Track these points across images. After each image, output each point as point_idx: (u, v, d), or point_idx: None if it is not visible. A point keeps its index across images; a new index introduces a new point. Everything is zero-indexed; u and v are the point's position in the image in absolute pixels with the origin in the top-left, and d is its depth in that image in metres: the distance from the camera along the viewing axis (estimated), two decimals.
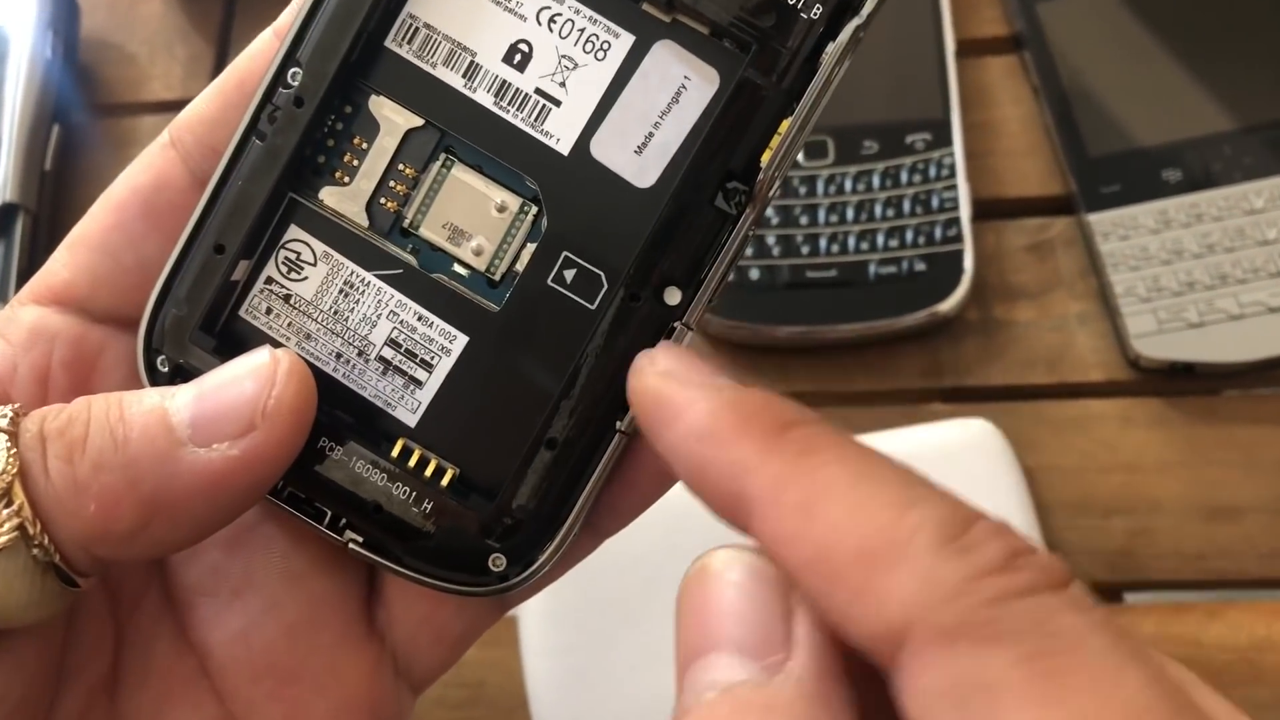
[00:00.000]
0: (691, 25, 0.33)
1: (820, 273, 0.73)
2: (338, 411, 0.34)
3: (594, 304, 0.33)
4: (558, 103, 0.33)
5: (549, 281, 0.34)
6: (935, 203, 0.73)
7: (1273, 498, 0.67)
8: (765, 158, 0.32)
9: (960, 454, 0.68)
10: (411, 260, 0.34)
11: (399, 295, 0.34)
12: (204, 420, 0.30)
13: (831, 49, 0.32)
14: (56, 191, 0.83)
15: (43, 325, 0.34)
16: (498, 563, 0.34)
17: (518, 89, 0.33)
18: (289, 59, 0.34)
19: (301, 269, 0.34)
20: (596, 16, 0.33)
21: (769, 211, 0.74)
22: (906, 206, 0.73)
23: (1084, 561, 0.67)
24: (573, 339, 0.33)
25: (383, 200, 0.34)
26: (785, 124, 0.32)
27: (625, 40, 0.33)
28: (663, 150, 0.33)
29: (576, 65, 0.33)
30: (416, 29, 0.34)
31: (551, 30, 0.33)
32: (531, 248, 0.34)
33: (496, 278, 0.34)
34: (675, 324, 0.33)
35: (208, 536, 0.32)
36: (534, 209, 0.34)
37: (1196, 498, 0.68)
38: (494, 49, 0.34)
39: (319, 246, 0.34)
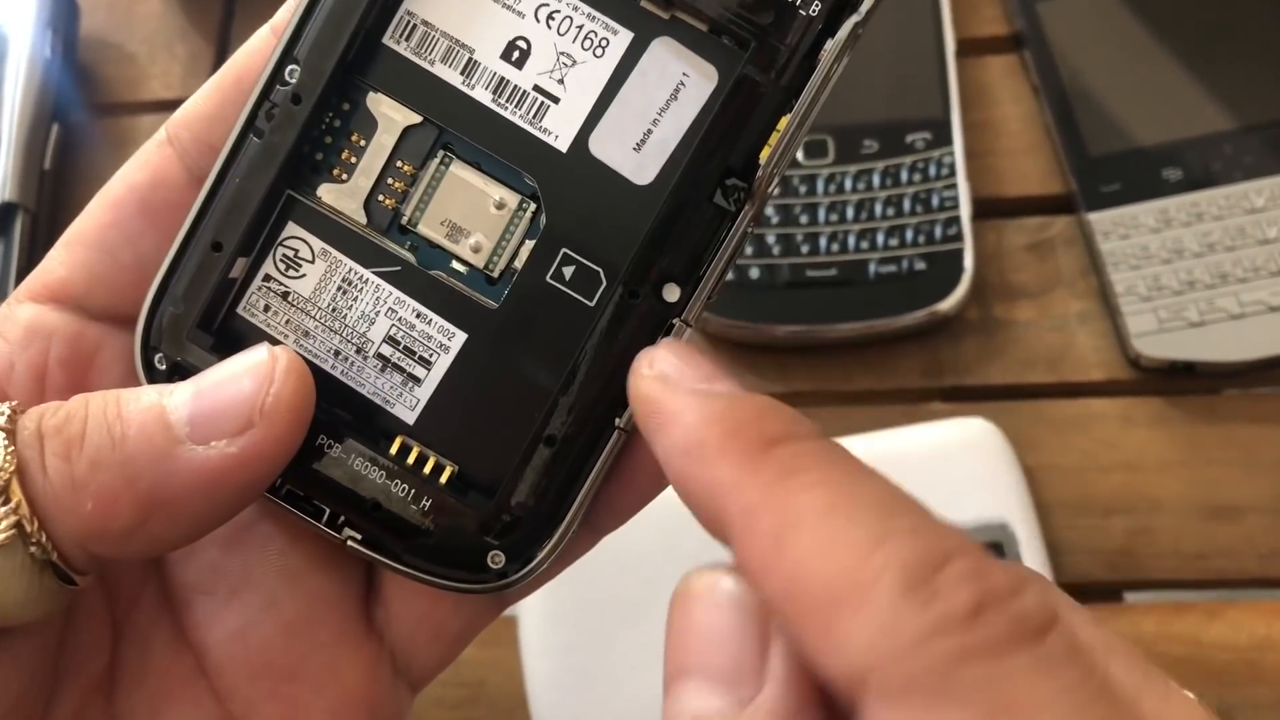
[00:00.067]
0: (690, 22, 0.33)
1: (820, 272, 0.73)
2: (336, 409, 0.34)
3: (593, 301, 0.33)
4: (556, 100, 0.33)
5: (548, 278, 0.33)
6: (935, 202, 0.73)
7: (1273, 497, 0.67)
8: (764, 155, 0.32)
9: (960, 453, 0.68)
10: (410, 257, 0.34)
11: (397, 292, 0.34)
12: (202, 418, 0.30)
13: (830, 46, 0.32)
14: (56, 191, 0.83)
15: (40, 323, 0.34)
16: (496, 560, 0.34)
17: (516, 86, 0.33)
18: (286, 56, 0.34)
19: (299, 266, 0.34)
20: (595, 13, 0.33)
21: (769, 210, 0.74)
22: (906, 205, 0.73)
23: (1084, 561, 0.67)
24: (571, 336, 0.33)
25: (381, 197, 0.34)
26: (784, 121, 0.32)
27: (624, 37, 0.33)
28: (661, 147, 0.33)
29: (575, 62, 0.33)
30: (414, 26, 0.34)
31: (550, 27, 0.33)
32: (530, 245, 0.34)
33: (495, 275, 0.34)
34: (674, 321, 0.33)
35: (205, 534, 0.32)
36: (532, 206, 0.34)
37: (1197, 497, 0.68)
38: (492, 46, 0.34)
39: (317, 244, 0.34)
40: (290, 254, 0.34)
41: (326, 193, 0.34)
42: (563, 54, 0.33)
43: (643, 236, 0.33)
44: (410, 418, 0.34)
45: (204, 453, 0.30)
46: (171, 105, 0.35)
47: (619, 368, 0.32)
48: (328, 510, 0.34)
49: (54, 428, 0.30)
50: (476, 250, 0.34)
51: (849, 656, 0.23)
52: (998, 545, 0.65)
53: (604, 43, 0.33)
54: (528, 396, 0.33)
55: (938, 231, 0.72)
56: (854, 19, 0.32)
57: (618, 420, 0.33)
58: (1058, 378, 0.72)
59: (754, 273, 0.73)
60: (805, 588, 0.24)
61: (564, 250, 0.33)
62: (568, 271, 0.33)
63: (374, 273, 0.34)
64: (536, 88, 0.33)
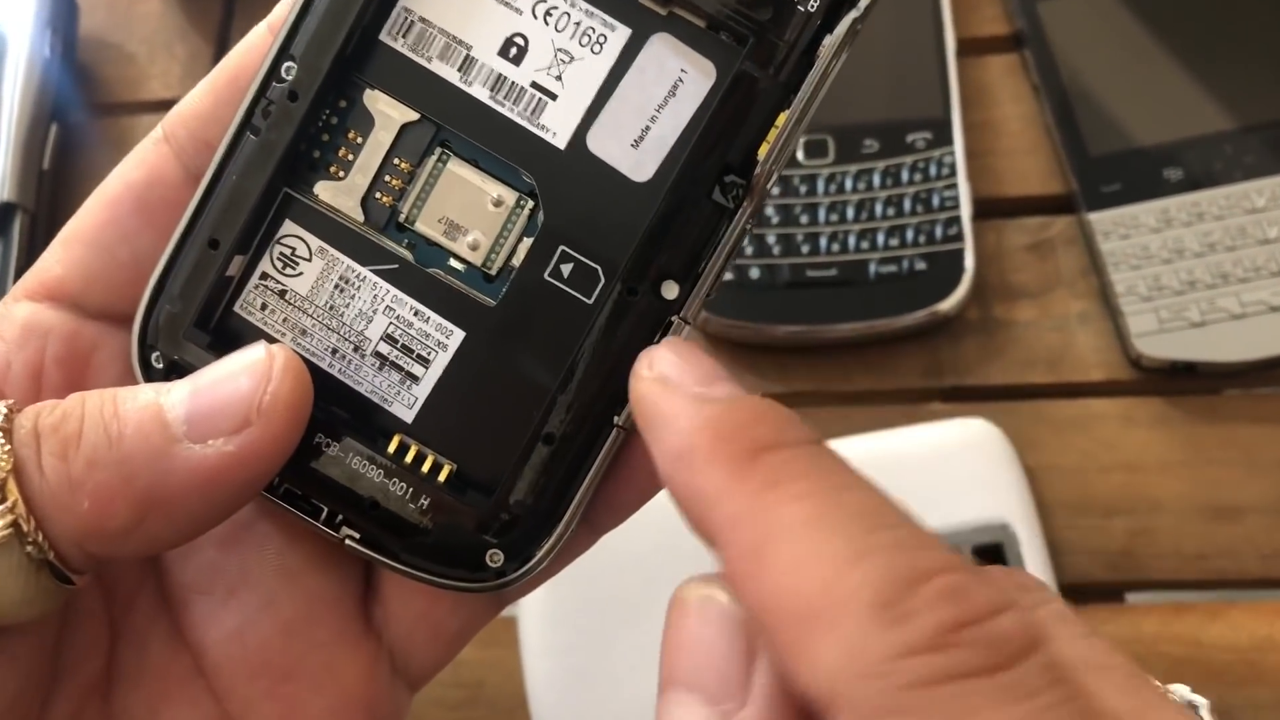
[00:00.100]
0: (688, 18, 0.33)
1: (820, 272, 0.73)
2: (334, 407, 0.34)
3: (591, 298, 0.33)
4: (554, 96, 0.33)
5: (546, 276, 0.33)
6: (936, 201, 0.73)
7: (1274, 498, 0.67)
8: (762, 151, 0.32)
9: (961, 454, 0.68)
10: (407, 255, 0.34)
11: (395, 290, 0.34)
12: (199, 416, 0.30)
13: (829, 41, 0.32)
14: (55, 191, 0.83)
15: (36, 321, 0.34)
16: (495, 558, 0.33)
17: (513, 83, 0.33)
18: (283, 53, 0.33)
19: (296, 264, 0.34)
20: (592, 10, 0.33)
21: (769, 210, 0.74)
22: (907, 205, 0.73)
23: (1085, 561, 0.67)
24: (570, 333, 0.33)
25: (378, 195, 0.34)
26: (782, 117, 0.32)
27: (621, 33, 0.33)
28: (659, 144, 0.33)
29: (572, 59, 0.33)
30: (411, 23, 0.34)
31: (547, 24, 0.33)
32: (528, 242, 0.34)
33: (493, 272, 0.34)
34: (673, 318, 0.33)
35: (203, 533, 0.32)
36: (530, 203, 0.34)
37: (1198, 497, 0.68)
38: (489, 43, 0.33)
39: (314, 242, 0.34)
40: (287, 252, 0.34)
41: (324, 190, 0.34)
42: (560, 51, 0.33)
43: (641, 233, 0.33)
44: (408, 416, 0.34)
45: (201, 451, 0.30)
46: (170, 105, 0.35)
47: (618, 365, 0.32)
48: (326, 509, 0.34)
49: (50, 426, 0.30)
50: (474, 248, 0.34)
51: (819, 675, 0.23)
52: (998, 546, 0.65)
53: (602, 39, 0.33)
54: (526, 394, 0.33)
55: (938, 231, 0.72)
56: (852, 15, 0.32)
57: (616, 418, 0.33)
58: (1058, 378, 0.72)
59: (754, 273, 0.73)
60: (782, 602, 0.24)
61: (562, 247, 0.33)
62: (566, 269, 0.33)
63: (371, 271, 0.34)
64: (534, 84, 0.33)
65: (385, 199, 0.34)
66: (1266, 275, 0.69)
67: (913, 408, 0.72)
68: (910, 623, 0.23)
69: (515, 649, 0.67)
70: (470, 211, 0.34)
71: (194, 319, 0.34)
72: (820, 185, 0.74)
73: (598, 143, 0.33)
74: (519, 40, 0.33)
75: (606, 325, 0.33)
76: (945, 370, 0.73)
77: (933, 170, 0.73)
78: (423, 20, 0.34)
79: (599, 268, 0.33)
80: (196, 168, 0.34)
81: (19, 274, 0.78)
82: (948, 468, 0.68)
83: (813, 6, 0.32)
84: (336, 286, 0.34)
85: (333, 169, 0.34)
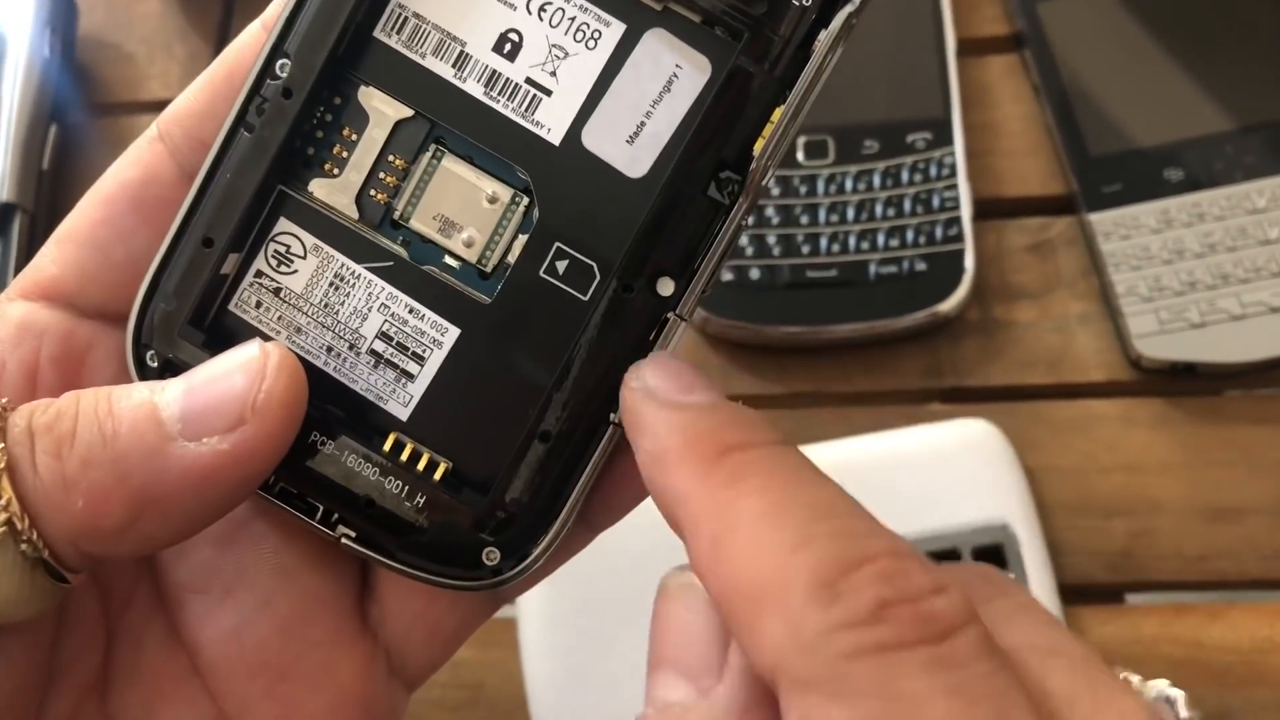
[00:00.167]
0: (683, 13, 0.33)
1: (821, 272, 0.73)
2: (329, 406, 0.34)
3: (586, 295, 0.33)
4: (549, 92, 0.33)
5: (541, 273, 0.33)
6: (936, 202, 0.73)
7: (1274, 499, 0.67)
8: (758, 147, 0.32)
9: (961, 454, 0.68)
10: (402, 252, 0.34)
11: (390, 288, 0.34)
12: (194, 414, 0.30)
13: (824, 36, 0.32)
14: (54, 191, 0.83)
15: (31, 321, 0.34)
16: (491, 557, 0.33)
17: (508, 79, 0.33)
18: (277, 50, 0.33)
19: (291, 262, 0.34)
20: (587, 5, 0.33)
21: (770, 211, 0.74)
22: (907, 206, 0.73)
23: (1085, 562, 0.67)
24: (565, 331, 0.33)
25: (372, 192, 0.34)
26: (778, 112, 0.32)
27: (616, 29, 0.33)
28: (655, 140, 0.33)
29: (567, 54, 0.33)
30: (405, 18, 0.34)
31: (542, 19, 0.33)
32: (523, 239, 0.33)
33: (488, 269, 0.34)
34: (668, 315, 0.33)
35: (198, 532, 0.32)
36: (525, 200, 0.34)
37: (1198, 498, 0.68)
38: (484, 38, 0.33)
39: (309, 239, 0.34)
40: (282, 250, 0.34)
41: (318, 188, 0.34)
42: (555, 46, 0.33)
43: (636, 230, 0.32)
44: (404, 414, 0.34)
45: (196, 450, 0.30)
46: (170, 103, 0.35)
47: (613, 362, 0.32)
48: (321, 508, 0.34)
49: (45, 425, 0.30)
50: (469, 245, 0.34)
51: (765, 652, 0.25)
52: (998, 546, 0.65)
53: (596, 35, 0.33)
54: (522, 392, 0.33)
55: (938, 232, 0.72)
56: (848, 9, 0.32)
57: (612, 416, 0.33)
58: (1058, 379, 0.72)
59: (754, 273, 0.73)
60: (736, 587, 0.26)
61: (557, 244, 0.33)
62: (561, 266, 0.33)
63: (366, 268, 0.34)
64: (529, 80, 0.33)
65: (380, 196, 0.34)
66: (1267, 276, 0.69)
67: (913, 408, 0.72)
68: (845, 600, 0.24)
69: (515, 650, 0.67)
70: (465, 208, 0.34)
71: (189, 317, 0.34)
72: (820, 186, 0.74)
73: (593, 139, 0.33)
74: (513, 36, 0.33)
75: (602, 322, 0.33)
76: (945, 371, 0.73)
77: (933, 171, 0.73)
78: (416, 16, 0.33)
79: (594, 265, 0.33)
80: (191, 166, 0.34)
81: (18, 274, 0.78)
82: (948, 468, 0.68)
83: (808, 1, 0.32)
84: (331, 284, 0.34)
85: (327, 166, 0.34)
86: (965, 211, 0.72)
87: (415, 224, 0.34)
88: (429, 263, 0.34)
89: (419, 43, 0.33)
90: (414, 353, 0.34)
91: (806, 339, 0.73)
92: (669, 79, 0.33)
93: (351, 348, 0.34)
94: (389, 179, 0.34)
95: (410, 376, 0.34)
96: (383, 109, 0.34)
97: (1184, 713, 0.28)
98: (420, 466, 0.34)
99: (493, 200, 0.34)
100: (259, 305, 0.34)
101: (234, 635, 0.35)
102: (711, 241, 0.32)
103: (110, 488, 0.29)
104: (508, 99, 0.33)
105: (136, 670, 0.34)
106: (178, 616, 0.35)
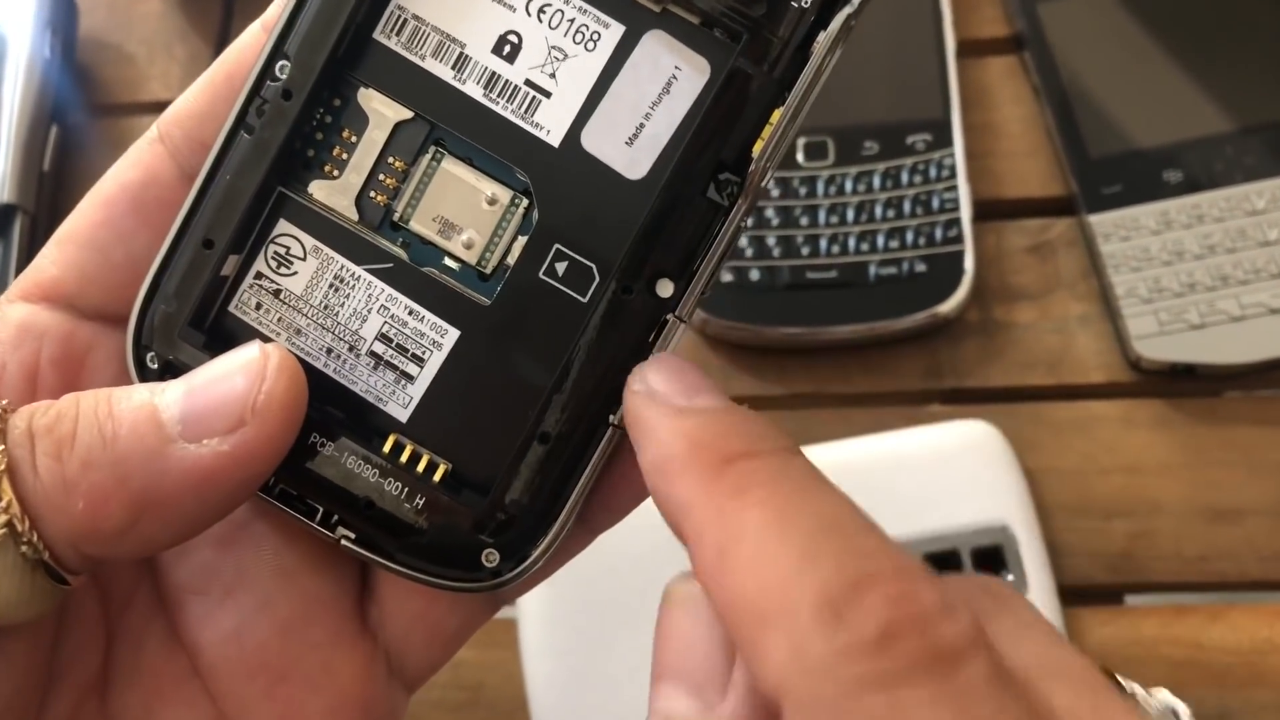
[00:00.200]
0: (682, 15, 0.33)
1: (820, 274, 0.73)
2: (329, 407, 0.34)
3: (586, 297, 0.33)
4: (548, 94, 0.33)
5: (540, 274, 0.33)
6: (936, 204, 0.73)
7: (1274, 500, 0.67)
8: (757, 148, 0.32)
9: (961, 456, 0.68)
10: (402, 254, 0.34)
11: (389, 289, 0.34)
12: (194, 416, 0.30)
13: (823, 38, 0.32)
14: (55, 192, 0.83)
15: (31, 322, 0.34)
16: (491, 558, 0.33)
17: (507, 80, 0.33)
18: (277, 52, 0.33)
19: (291, 264, 0.34)
20: (586, 7, 0.33)
21: (770, 212, 0.74)
22: (907, 207, 0.73)
23: (1085, 563, 0.67)
24: (565, 332, 0.33)
25: (372, 194, 0.34)
26: (777, 114, 0.32)
27: (615, 31, 0.33)
28: (654, 141, 0.33)
29: (566, 56, 0.33)
30: (405, 20, 0.34)
31: (541, 21, 0.33)
32: (523, 240, 0.33)
33: (488, 271, 0.34)
34: (668, 316, 0.33)
35: (198, 534, 0.32)
36: (525, 201, 0.34)
37: (1198, 500, 0.68)
38: (483, 40, 0.33)
39: (309, 241, 0.34)
40: (282, 251, 0.34)
41: (318, 189, 0.34)
42: (554, 48, 0.33)
43: (636, 231, 0.32)
44: (403, 415, 0.34)
45: (196, 451, 0.30)
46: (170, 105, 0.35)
47: (613, 364, 0.32)
48: (321, 509, 0.34)
49: (45, 427, 0.30)
50: (469, 246, 0.34)
51: (769, 672, 0.24)
52: (998, 548, 0.65)
53: (596, 36, 0.33)
54: (521, 393, 0.33)
55: (938, 233, 0.72)
56: (846, 10, 0.32)
57: (612, 417, 0.33)
58: (1058, 380, 0.72)
59: (754, 275, 0.73)
60: (739, 602, 0.25)
61: (557, 246, 0.33)
62: (560, 267, 0.33)
63: (366, 270, 0.34)
64: (528, 82, 0.33)
65: (380, 198, 0.34)
66: (1266, 277, 0.69)
67: (913, 409, 0.72)
68: (851, 624, 0.23)
69: (515, 651, 0.67)
70: (465, 210, 0.34)
71: (189, 319, 0.34)
72: (820, 187, 0.74)
73: (592, 140, 0.33)
74: (513, 38, 0.33)
75: (601, 324, 0.33)
76: (945, 372, 0.73)
77: (933, 172, 0.73)
78: (416, 18, 0.34)
79: (594, 266, 0.33)
80: (191, 167, 0.34)
81: (19, 275, 0.78)
82: (947, 470, 0.68)
83: (806, 3, 0.32)
84: (331, 286, 0.34)
85: (327, 168, 0.34)
86: (965, 213, 0.72)
87: (415, 226, 0.34)
88: (429, 264, 0.34)
89: (418, 44, 0.34)
90: (414, 354, 0.34)
91: (806, 340, 0.73)
92: (668, 80, 0.33)
93: (351, 349, 0.34)
94: (389, 181, 0.34)
95: (410, 378, 0.34)
96: (382, 111, 0.34)
97: None
98: (420, 468, 0.34)
99: (492, 202, 0.34)
100: (259, 307, 0.34)
101: (234, 636, 0.35)
102: (711, 243, 0.32)
103: (110, 490, 0.29)
104: (507, 101, 0.33)
105: (136, 671, 0.34)
106: (178, 617, 0.35)
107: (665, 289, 0.33)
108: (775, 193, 0.74)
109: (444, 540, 0.34)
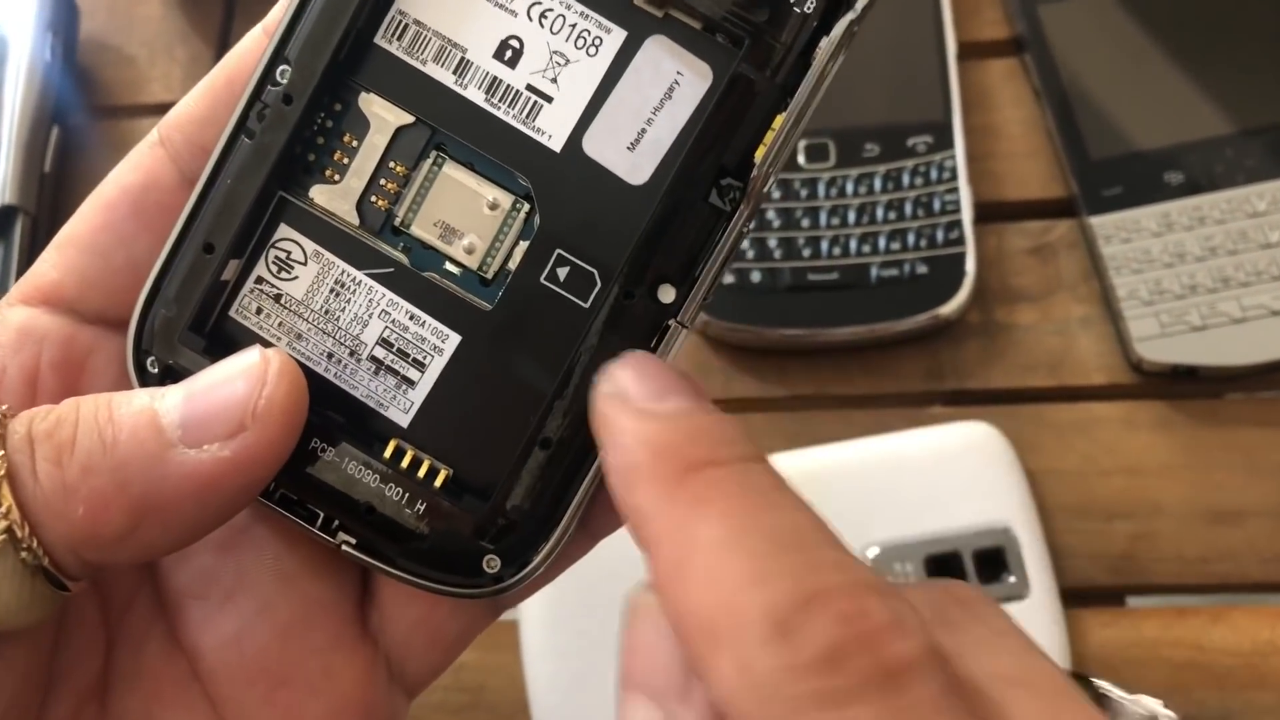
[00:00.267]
0: (684, 20, 0.33)
1: (822, 275, 0.73)
2: (330, 412, 0.34)
3: (587, 302, 0.33)
4: (549, 99, 0.33)
5: (542, 279, 0.33)
6: (937, 205, 0.73)
7: (1276, 502, 0.67)
8: (759, 154, 0.32)
9: (962, 457, 0.68)
10: (403, 259, 0.34)
11: (390, 294, 0.34)
12: (194, 421, 0.30)
13: (825, 43, 0.32)
14: (56, 194, 0.83)
15: (31, 326, 0.34)
16: (492, 564, 0.33)
17: (509, 85, 0.33)
18: (278, 56, 0.33)
19: (292, 268, 0.34)
20: (588, 12, 0.33)
21: (771, 214, 0.74)
22: (908, 209, 0.73)
23: (1086, 565, 0.67)
24: (566, 337, 0.33)
25: (373, 198, 0.34)
26: (779, 119, 0.32)
27: (617, 36, 0.33)
28: (656, 146, 0.33)
29: (568, 61, 0.33)
30: (406, 25, 0.33)
31: (543, 26, 0.33)
32: (524, 245, 0.33)
33: (489, 276, 0.34)
34: (670, 322, 0.32)
35: (199, 539, 0.32)
36: (526, 206, 0.33)
37: (1199, 501, 0.68)
38: (484, 45, 0.33)
39: (309, 245, 0.34)
40: (282, 256, 0.34)
41: (319, 194, 0.34)
42: (556, 53, 0.33)
43: (637, 237, 0.32)
44: (404, 421, 0.34)
45: (196, 456, 0.30)
46: (171, 108, 0.35)
47: None
48: (322, 514, 0.34)
49: (44, 432, 0.30)
50: (470, 251, 0.34)
51: (719, 689, 0.24)
52: (999, 549, 0.65)
53: (597, 41, 0.33)
54: (523, 399, 0.33)
55: (939, 235, 0.72)
56: (849, 16, 0.32)
57: None
58: (1059, 381, 0.72)
59: (755, 276, 0.73)
60: (692, 618, 0.25)
61: (558, 251, 0.33)
62: (562, 272, 0.33)
63: (367, 274, 0.34)
64: (530, 87, 0.33)
65: (380, 202, 0.34)
66: (1268, 279, 0.69)
67: (914, 411, 0.72)
68: (799, 642, 0.23)
69: (517, 653, 0.67)
70: (466, 215, 0.34)
71: (189, 323, 0.34)
72: (821, 189, 0.74)
73: (593, 146, 0.33)
74: (514, 43, 0.33)
75: (603, 329, 0.33)
76: (946, 374, 0.73)
77: (934, 174, 0.73)
78: (417, 23, 0.33)
79: (595, 271, 0.33)
80: (192, 172, 0.34)
81: (20, 277, 0.78)
82: (949, 471, 0.68)
83: (809, 8, 0.32)
84: (332, 290, 0.34)
85: (328, 172, 0.34)
86: (966, 214, 0.72)
87: (416, 230, 0.34)
88: (430, 269, 0.34)
89: (420, 49, 0.33)
90: (415, 359, 0.34)
91: (807, 341, 0.73)
92: (670, 86, 0.33)
93: (352, 354, 0.34)
94: (390, 185, 0.34)
95: (411, 383, 0.34)
96: (383, 115, 0.34)
97: None
98: (421, 473, 0.34)
99: (494, 207, 0.33)
100: (260, 311, 0.34)
101: (234, 641, 0.35)
102: (713, 248, 0.32)
103: (111, 495, 0.29)
104: (509, 105, 0.33)
105: (136, 675, 0.34)
106: (178, 622, 0.35)
107: (667, 294, 0.33)
108: (776, 194, 0.74)
109: (445, 546, 0.33)
